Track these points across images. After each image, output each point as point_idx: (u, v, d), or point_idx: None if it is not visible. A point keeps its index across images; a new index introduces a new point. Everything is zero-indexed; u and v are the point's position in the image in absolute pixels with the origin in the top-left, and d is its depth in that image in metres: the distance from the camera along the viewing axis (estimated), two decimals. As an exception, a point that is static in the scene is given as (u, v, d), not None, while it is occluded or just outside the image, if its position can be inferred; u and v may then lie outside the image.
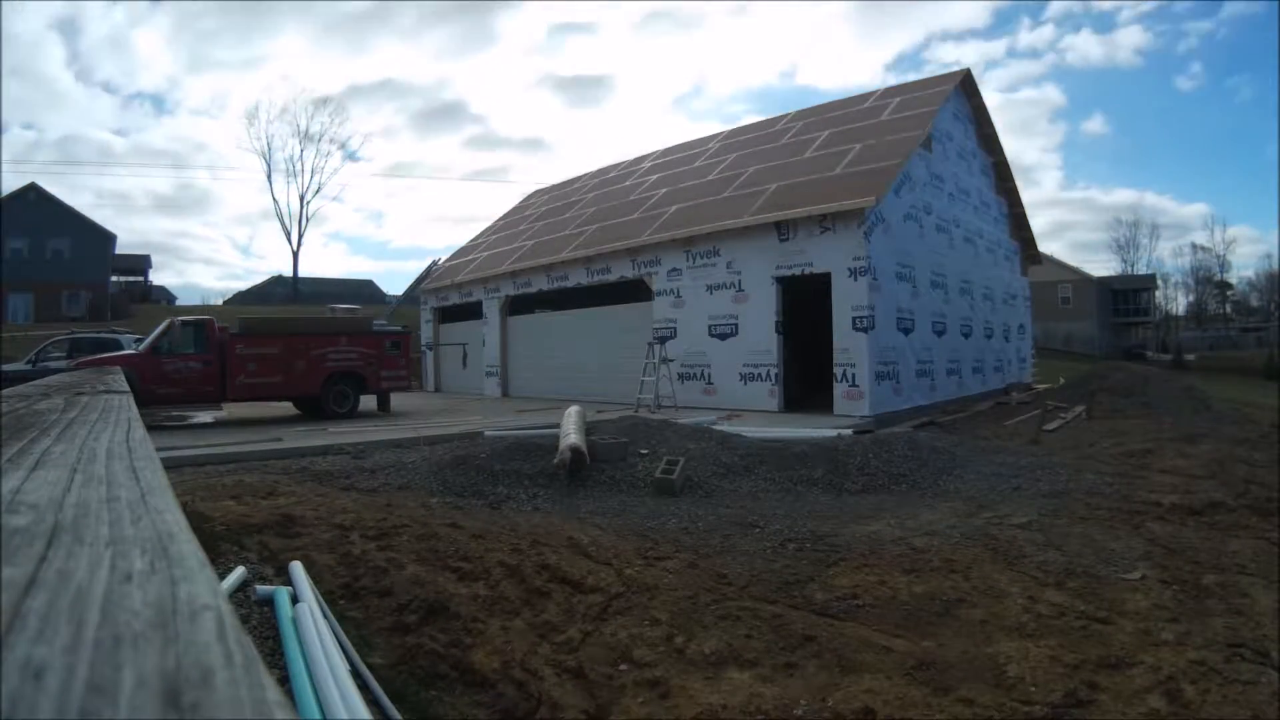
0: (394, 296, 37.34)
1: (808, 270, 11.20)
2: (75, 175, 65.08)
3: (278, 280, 54.41)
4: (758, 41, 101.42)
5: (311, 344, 11.61)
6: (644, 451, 7.20)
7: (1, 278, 33.77)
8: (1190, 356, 35.95)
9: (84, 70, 69.35)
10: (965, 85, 15.14)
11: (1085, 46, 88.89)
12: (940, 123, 13.61)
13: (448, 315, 19.80)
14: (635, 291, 13.94)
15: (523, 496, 6.17)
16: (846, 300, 10.68)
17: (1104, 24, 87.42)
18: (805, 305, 11.75)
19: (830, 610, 4.01)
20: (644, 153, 20.86)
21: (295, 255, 51.72)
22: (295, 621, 3.27)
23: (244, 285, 57.79)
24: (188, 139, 74.32)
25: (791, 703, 3.18)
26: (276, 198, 69.96)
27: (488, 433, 8.95)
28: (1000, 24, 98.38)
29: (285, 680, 2.88)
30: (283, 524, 4.64)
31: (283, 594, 3.57)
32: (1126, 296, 44.92)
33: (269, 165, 59.59)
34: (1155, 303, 48.53)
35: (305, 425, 10.47)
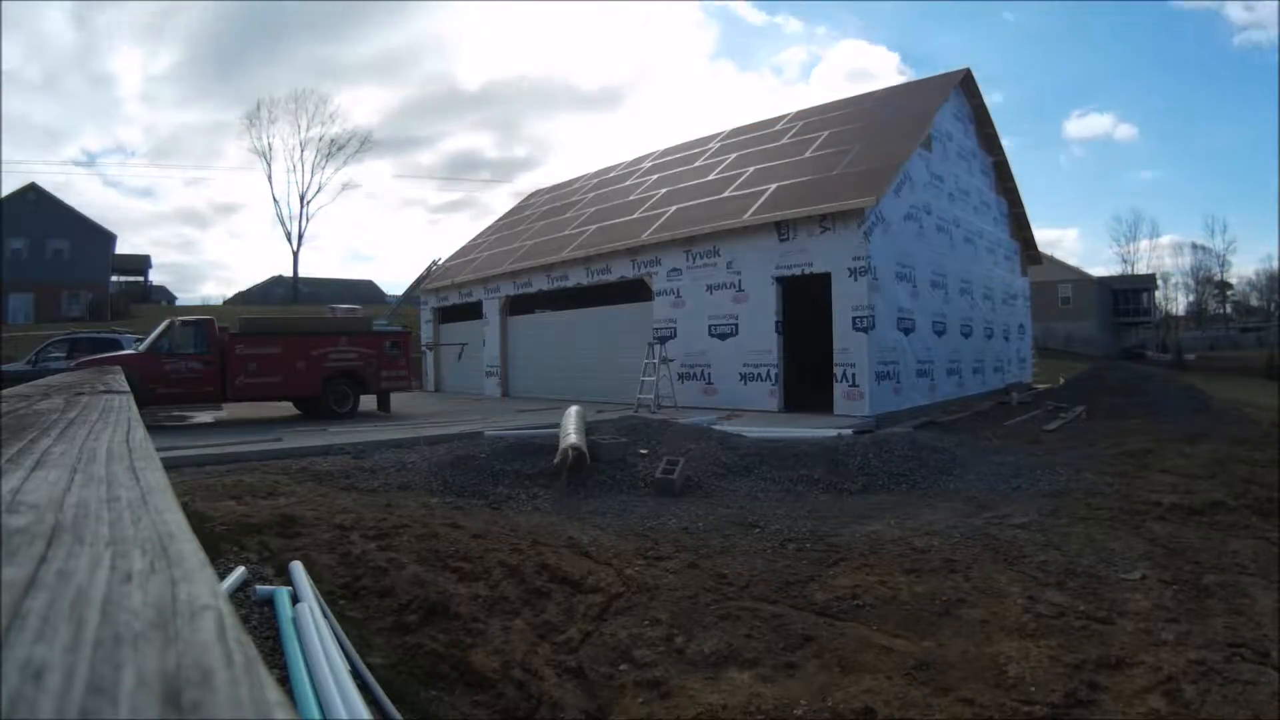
0: (394, 296, 37.37)
1: (808, 270, 11.20)
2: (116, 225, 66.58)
3: (278, 280, 54.48)
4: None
5: (311, 344, 11.61)
6: (644, 451, 7.20)
7: (1, 278, 33.78)
8: (1190, 356, 35.94)
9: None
10: (965, 85, 15.14)
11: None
12: (940, 123, 13.61)
13: (448, 315, 19.80)
14: (635, 291, 13.94)
15: (523, 496, 6.16)
16: (846, 300, 10.67)
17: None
18: (805, 305, 11.75)
19: (830, 610, 4.01)
20: (644, 153, 20.87)
21: (295, 255, 51.76)
22: (295, 621, 3.27)
23: (245, 286, 58.17)
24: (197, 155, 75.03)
25: (792, 703, 3.18)
26: (277, 198, 69.91)
27: (488, 433, 8.95)
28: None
29: (285, 680, 2.88)
30: (283, 524, 4.64)
31: (283, 594, 3.57)
32: (1126, 296, 44.93)
33: (269, 165, 59.64)
34: (1155, 303, 48.53)
35: (305, 425, 10.47)
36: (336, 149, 51.91)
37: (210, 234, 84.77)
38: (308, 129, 51.38)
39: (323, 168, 52.19)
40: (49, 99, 63.35)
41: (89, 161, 68.36)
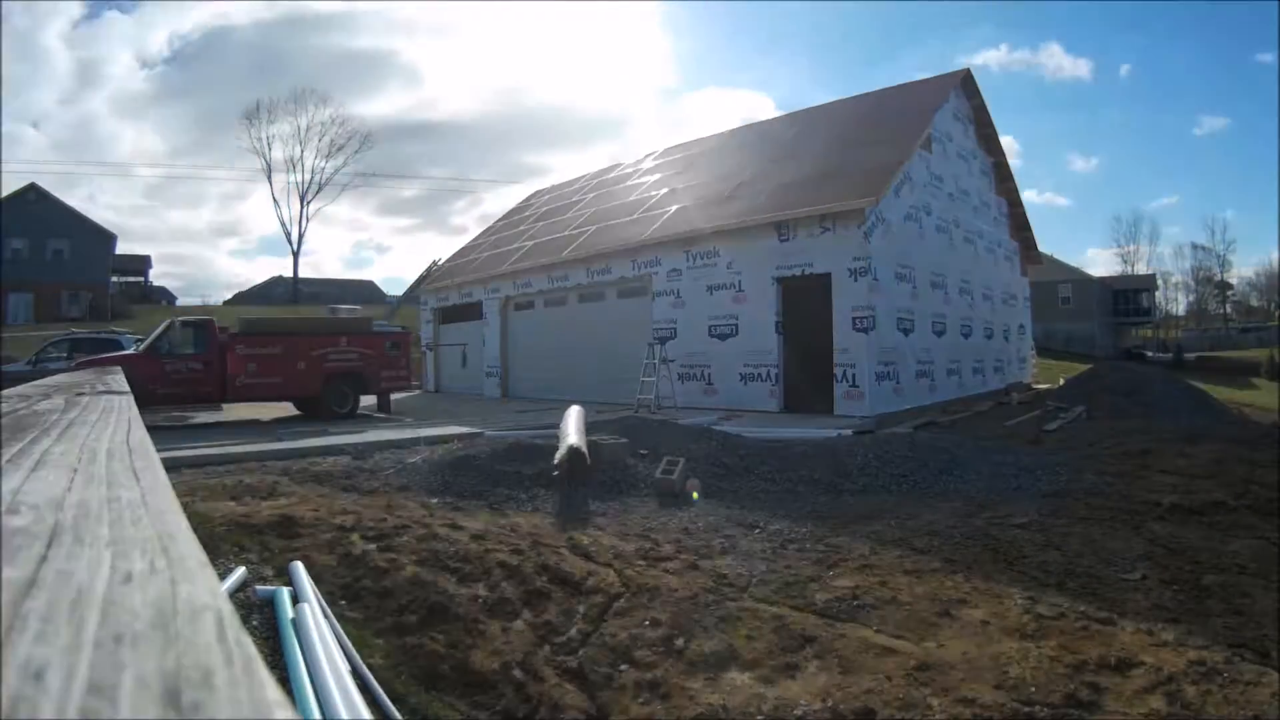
0: (394, 297, 37.40)
1: (808, 270, 11.20)
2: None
3: (278, 281, 54.47)
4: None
5: (312, 344, 11.61)
6: (644, 452, 7.20)
7: (1, 278, 33.78)
8: (1190, 356, 35.93)
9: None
10: (965, 85, 15.14)
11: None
12: (940, 123, 13.61)
13: (448, 315, 19.80)
14: (635, 292, 13.95)
15: (523, 497, 6.16)
16: (847, 300, 10.67)
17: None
18: (805, 305, 11.75)
19: (831, 611, 4.01)
20: (644, 153, 20.88)
21: (295, 256, 51.76)
22: (295, 622, 3.27)
23: (245, 286, 58.30)
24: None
25: (792, 703, 3.18)
26: (277, 198, 69.77)
27: (488, 433, 8.95)
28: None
29: (285, 681, 2.88)
30: (283, 524, 4.64)
31: (283, 594, 3.57)
32: (1127, 296, 44.88)
33: (269, 165, 59.46)
34: (1156, 303, 48.52)
35: (305, 425, 10.47)
36: (336, 149, 51.99)
37: (215, 250, 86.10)
38: (307, 128, 51.39)
39: (322, 168, 52.15)
40: (54, 154, 69.23)
41: (90, 198, 70.77)
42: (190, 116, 75.28)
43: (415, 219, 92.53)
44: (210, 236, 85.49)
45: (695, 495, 6.26)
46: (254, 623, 3.40)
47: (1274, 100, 75.53)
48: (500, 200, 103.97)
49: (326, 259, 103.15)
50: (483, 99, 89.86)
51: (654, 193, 16.09)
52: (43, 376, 4.87)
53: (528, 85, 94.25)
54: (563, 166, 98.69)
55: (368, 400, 12.29)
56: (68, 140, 67.53)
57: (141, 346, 11.49)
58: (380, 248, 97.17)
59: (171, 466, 4.61)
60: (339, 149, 51.91)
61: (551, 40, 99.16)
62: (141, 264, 48.60)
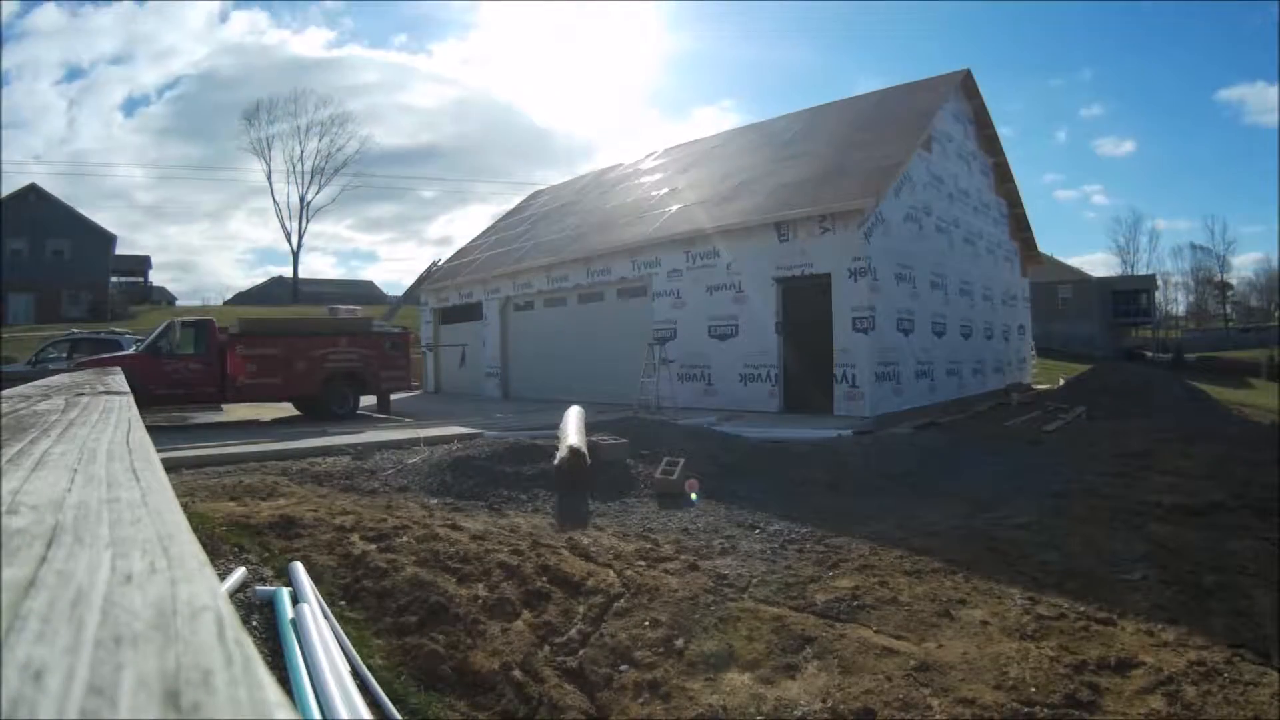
0: (394, 297, 37.41)
1: (808, 271, 11.19)
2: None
3: (277, 281, 54.45)
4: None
5: (312, 345, 11.61)
6: (644, 452, 7.20)
7: (1, 278, 33.78)
8: (1190, 356, 35.92)
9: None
10: (965, 86, 15.14)
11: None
12: (940, 123, 13.61)
13: (448, 316, 19.80)
14: (635, 292, 13.94)
15: (523, 498, 6.16)
16: (846, 301, 10.67)
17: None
18: (805, 306, 11.75)
19: (831, 612, 4.01)
20: (644, 153, 20.88)
21: (295, 256, 51.80)
22: (296, 622, 3.27)
23: (245, 286, 58.37)
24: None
25: (792, 704, 3.18)
26: (276, 199, 69.76)
27: (488, 434, 8.94)
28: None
29: (285, 681, 2.88)
30: (283, 525, 4.64)
31: (283, 595, 3.56)
32: (1126, 297, 44.84)
33: (269, 166, 59.34)
34: (1155, 303, 48.47)
35: (305, 426, 10.47)
36: (336, 150, 52.02)
37: (216, 257, 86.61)
38: (307, 130, 51.39)
39: (322, 169, 52.15)
40: (57, 180, 71.39)
41: (93, 209, 71.50)
42: (191, 141, 77.72)
43: (399, 233, 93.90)
44: (211, 248, 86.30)
45: (695, 495, 6.26)
46: (254, 623, 3.40)
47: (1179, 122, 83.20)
48: (491, 208, 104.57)
49: (321, 267, 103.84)
50: (472, 124, 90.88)
51: (654, 193, 16.09)
52: (43, 376, 4.87)
53: (515, 110, 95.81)
54: (547, 183, 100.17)
55: (368, 400, 12.28)
56: (67, 161, 68.33)
57: (141, 347, 11.49)
58: (371, 257, 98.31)
59: (171, 466, 4.60)
60: (339, 149, 51.98)
61: (538, 68, 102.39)
62: (141, 264, 48.58)
